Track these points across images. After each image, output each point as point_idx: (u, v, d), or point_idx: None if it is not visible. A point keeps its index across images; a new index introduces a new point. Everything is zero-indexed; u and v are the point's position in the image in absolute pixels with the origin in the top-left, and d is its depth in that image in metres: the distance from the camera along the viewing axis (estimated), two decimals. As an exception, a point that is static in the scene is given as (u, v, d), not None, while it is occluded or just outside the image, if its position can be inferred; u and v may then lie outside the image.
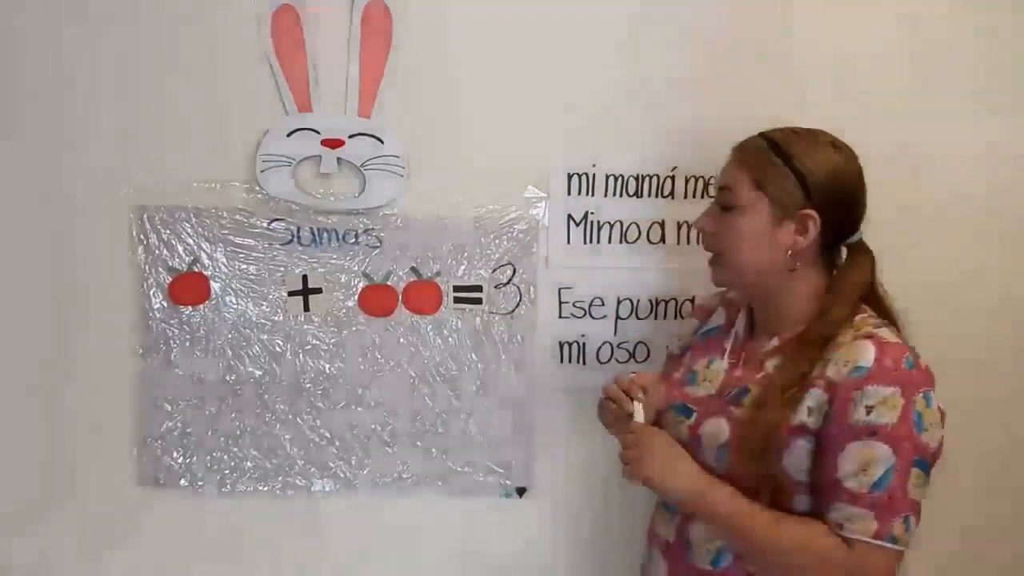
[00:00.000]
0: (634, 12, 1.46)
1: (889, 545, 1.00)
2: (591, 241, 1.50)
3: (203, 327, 1.46)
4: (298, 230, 1.46)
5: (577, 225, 1.50)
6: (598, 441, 1.39)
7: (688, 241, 1.51)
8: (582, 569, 1.58)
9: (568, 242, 1.50)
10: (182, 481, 1.48)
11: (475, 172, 1.46)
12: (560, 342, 1.52)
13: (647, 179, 1.50)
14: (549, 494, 1.55)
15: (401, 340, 1.49)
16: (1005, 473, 1.62)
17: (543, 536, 1.56)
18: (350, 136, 1.43)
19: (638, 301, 1.53)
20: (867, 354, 1.04)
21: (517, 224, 1.49)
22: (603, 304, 1.52)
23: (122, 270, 1.44)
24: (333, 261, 1.47)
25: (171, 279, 1.45)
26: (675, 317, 1.53)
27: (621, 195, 1.50)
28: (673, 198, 1.50)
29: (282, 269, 1.46)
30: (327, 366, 1.48)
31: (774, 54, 1.49)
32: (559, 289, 1.51)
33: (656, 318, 1.53)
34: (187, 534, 1.50)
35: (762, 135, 1.16)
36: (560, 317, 1.51)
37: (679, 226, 1.51)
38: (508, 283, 1.50)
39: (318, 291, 1.47)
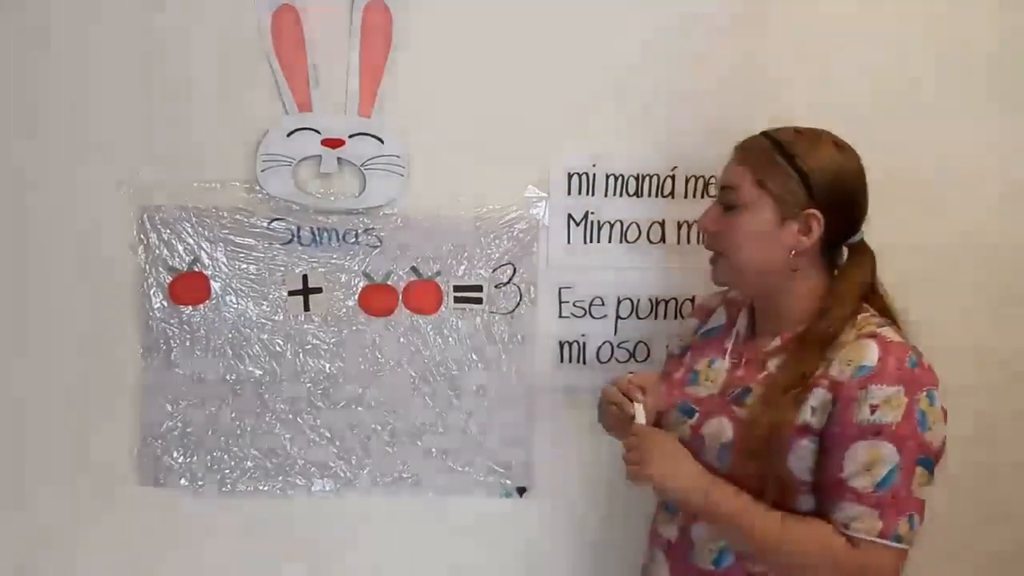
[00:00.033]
0: (634, 12, 1.46)
1: (894, 544, 1.01)
2: (591, 241, 1.50)
3: (203, 327, 1.46)
4: (298, 230, 1.46)
5: (577, 225, 1.50)
6: (598, 441, 1.38)
7: (688, 241, 1.51)
8: (582, 569, 1.58)
9: (568, 242, 1.50)
10: (182, 481, 1.48)
11: (475, 172, 1.46)
12: (560, 342, 1.52)
13: (647, 179, 1.50)
14: (549, 494, 1.55)
15: (401, 340, 1.49)
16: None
17: (543, 536, 1.56)
18: (350, 136, 1.43)
19: (638, 301, 1.53)
20: (871, 353, 1.04)
21: (517, 224, 1.49)
22: (603, 304, 1.52)
23: (122, 270, 1.44)
24: (333, 261, 1.47)
25: (171, 279, 1.45)
26: (675, 317, 1.53)
27: (621, 195, 1.50)
28: (673, 198, 1.50)
29: (282, 269, 1.46)
30: (327, 366, 1.48)
31: (774, 53, 1.49)
32: (559, 289, 1.51)
33: (656, 318, 1.53)
34: (187, 534, 1.50)
35: (765, 134, 1.16)
36: (560, 317, 1.51)
37: (679, 226, 1.51)
38: (508, 283, 1.50)
39: (318, 291, 1.47)
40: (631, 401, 1.19)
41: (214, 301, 1.46)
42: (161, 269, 1.44)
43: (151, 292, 1.45)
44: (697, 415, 1.17)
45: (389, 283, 1.48)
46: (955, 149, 1.54)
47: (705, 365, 1.23)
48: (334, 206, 1.45)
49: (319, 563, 1.52)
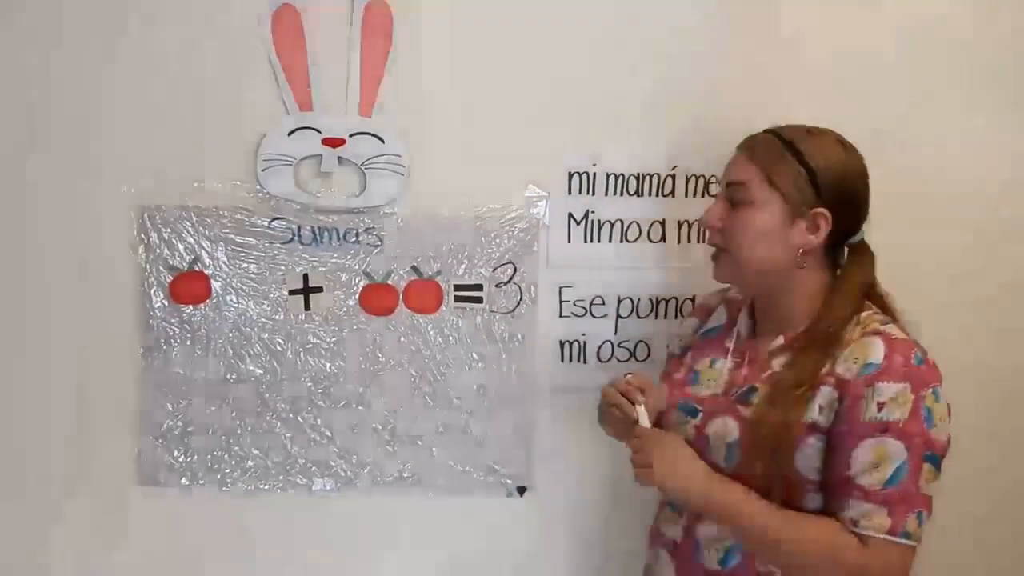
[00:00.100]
0: (634, 12, 1.46)
1: (903, 541, 1.01)
2: (592, 240, 1.50)
3: (204, 326, 1.46)
4: (299, 229, 1.46)
5: (578, 224, 1.50)
6: (598, 441, 1.38)
7: (689, 240, 1.51)
8: (582, 569, 1.58)
9: (569, 241, 1.50)
10: (183, 480, 1.48)
11: (476, 171, 1.46)
12: (561, 341, 1.52)
13: (647, 178, 1.50)
14: (549, 494, 1.54)
15: (402, 339, 1.49)
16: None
17: (543, 536, 1.56)
18: (351, 135, 1.43)
19: (638, 300, 1.53)
20: (877, 351, 1.04)
21: (518, 223, 1.49)
22: (603, 303, 1.52)
23: (123, 269, 1.44)
24: (334, 260, 1.47)
25: (172, 278, 1.45)
26: (675, 316, 1.53)
27: (621, 194, 1.50)
28: (673, 197, 1.51)
29: (283, 268, 1.46)
30: (328, 365, 1.48)
31: (774, 53, 1.49)
32: (560, 288, 1.51)
33: (656, 317, 1.53)
34: (188, 533, 1.50)
35: (772, 131, 1.16)
36: (561, 316, 1.51)
37: (679, 225, 1.51)
38: (509, 282, 1.50)
39: (319, 290, 1.47)
40: (631, 403, 1.18)
41: (214, 300, 1.46)
42: (161, 268, 1.44)
43: (151, 291, 1.45)
44: (701, 415, 1.17)
45: (389, 282, 1.48)
46: (957, 150, 1.54)
47: (707, 365, 1.23)
48: (335, 205, 1.45)
49: (319, 562, 1.52)
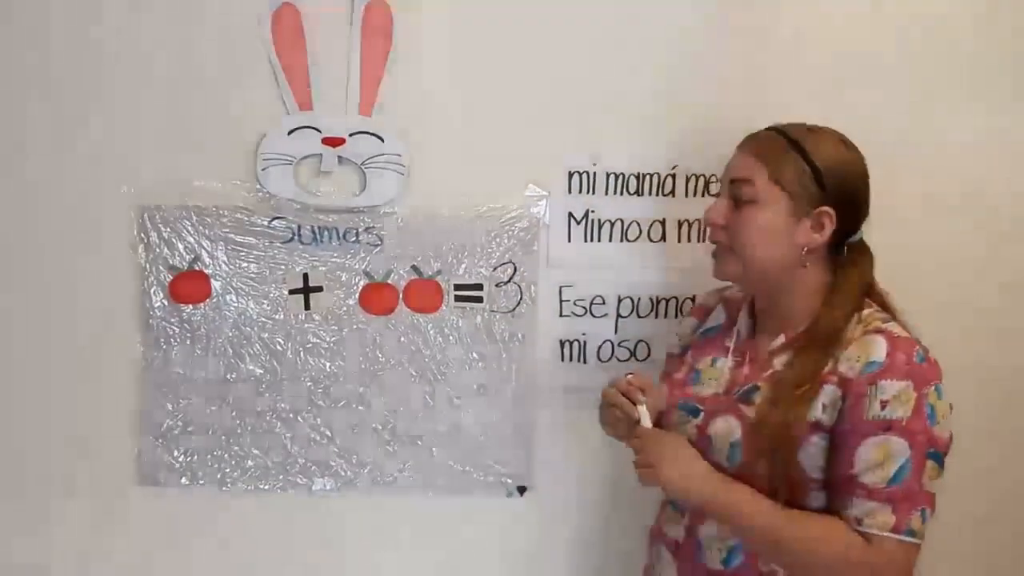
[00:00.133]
0: (634, 12, 1.46)
1: (907, 539, 1.01)
2: (592, 239, 1.50)
3: (204, 326, 1.46)
4: (299, 228, 1.46)
5: (578, 223, 1.50)
6: (598, 441, 1.38)
7: (689, 240, 1.51)
8: (582, 569, 1.57)
9: (569, 240, 1.50)
10: (183, 480, 1.48)
11: (476, 171, 1.46)
12: (561, 341, 1.52)
13: (647, 177, 1.50)
14: (549, 494, 1.54)
15: (402, 339, 1.49)
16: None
17: (543, 536, 1.56)
18: (351, 134, 1.43)
19: (639, 299, 1.52)
20: (879, 349, 1.04)
21: (518, 222, 1.49)
22: (604, 302, 1.52)
23: (123, 269, 1.44)
24: (334, 259, 1.47)
25: (172, 278, 1.45)
26: (676, 315, 1.53)
27: (622, 193, 1.50)
28: (674, 196, 1.51)
29: (283, 267, 1.46)
30: (328, 364, 1.48)
31: (774, 53, 1.49)
32: (560, 287, 1.51)
33: (657, 317, 1.53)
34: (188, 533, 1.50)
35: (775, 129, 1.15)
36: (561, 315, 1.51)
37: (680, 224, 1.51)
38: (509, 281, 1.50)
39: (319, 289, 1.47)
40: (632, 403, 1.18)
41: (214, 300, 1.46)
42: (161, 268, 1.44)
43: (151, 291, 1.45)
44: (703, 414, 1.17)
45: (390, 282, 1.48)
46: (957, 150, 1.54)
47: (707, 364, 1.23)
48: (335, 204, 1.45)
49: (319, 562, 1.52)
